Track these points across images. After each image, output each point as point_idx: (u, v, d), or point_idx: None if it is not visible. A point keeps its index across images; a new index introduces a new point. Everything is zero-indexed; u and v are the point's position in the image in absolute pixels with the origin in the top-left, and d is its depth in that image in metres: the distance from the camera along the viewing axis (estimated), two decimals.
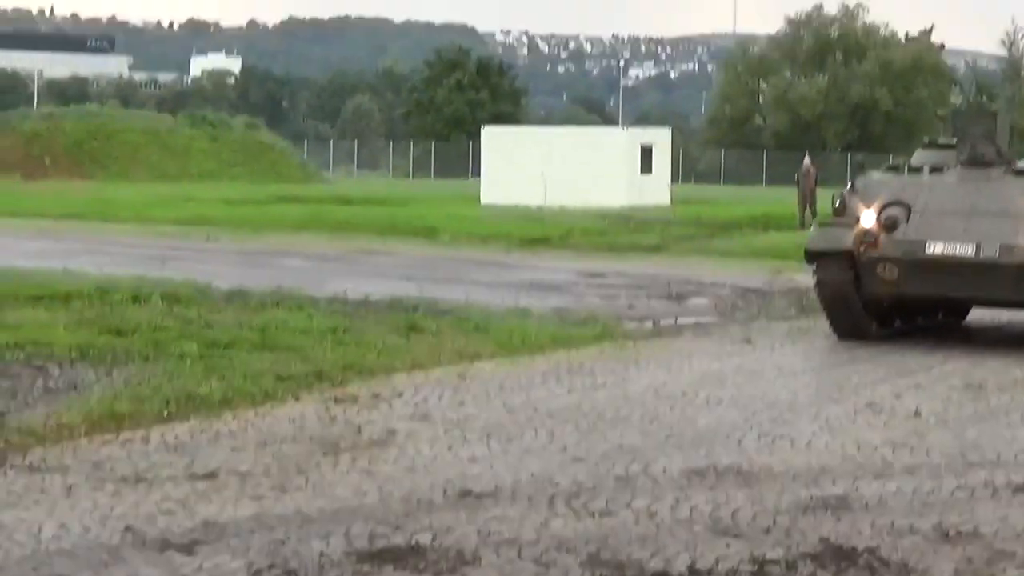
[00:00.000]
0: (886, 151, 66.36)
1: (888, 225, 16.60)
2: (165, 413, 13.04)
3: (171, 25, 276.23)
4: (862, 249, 16.67)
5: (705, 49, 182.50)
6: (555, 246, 39.43)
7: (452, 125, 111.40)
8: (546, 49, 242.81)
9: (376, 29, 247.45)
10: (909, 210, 16.75)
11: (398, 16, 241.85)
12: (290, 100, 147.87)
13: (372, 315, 19.86)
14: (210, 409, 12.93)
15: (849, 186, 18.11)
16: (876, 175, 18.81)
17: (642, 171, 56.18)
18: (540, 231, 42.97)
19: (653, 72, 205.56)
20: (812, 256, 17.65)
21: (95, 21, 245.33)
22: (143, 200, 46.54)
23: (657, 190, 55.91)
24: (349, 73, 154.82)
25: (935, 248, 16.24)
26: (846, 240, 16.95)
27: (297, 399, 13.53)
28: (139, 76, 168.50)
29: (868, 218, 16.86)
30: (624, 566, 8.16)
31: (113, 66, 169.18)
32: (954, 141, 18.44)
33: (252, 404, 13.34)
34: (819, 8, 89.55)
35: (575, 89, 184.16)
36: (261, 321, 17.74)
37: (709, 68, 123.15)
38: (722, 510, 9.55)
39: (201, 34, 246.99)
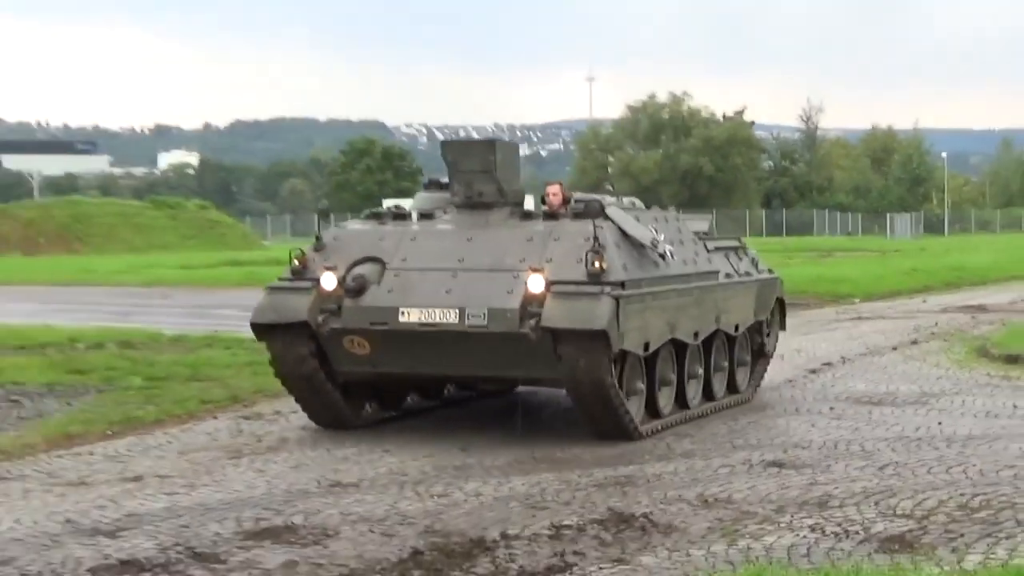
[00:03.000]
0: (711, 207, 65.07)
1: (355, 288, 11.31)
2: (109, 432, 13.13)
3: (142, 129, 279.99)
4: (320, 320, 11.33)
5: (568, 132, 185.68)
6: None
7: (364, 200, 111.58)
8: (440, 136, 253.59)
9: (306, 126, 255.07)
10: (384, 267, 11.56)
11: (323, 116, 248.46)
12: (238, 185, 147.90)
13: None
14: (145, 428, 13.07)
15: (314, 240, 12.21)
16: (352, 225, 13.20)
17: None
18: None
19: (527, 152, 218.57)
20: (259, 331, 11.88)
21: (82, 128, 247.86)
22: (115, 268, 45.46)
23: None
24: (284, 162, 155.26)
25: (410, 315, 11.06)
26: (298, 310, 11.47)
27: (215, 417, 13.55)
28: (117, 171, 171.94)
29: (328, 280, 11.40)
30: (451, 534, 8.29)
31: (97, 164, 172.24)
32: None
33: (179, 423, 13.33)
34: (653, 96, 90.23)
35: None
36: (194, 359, 17.48)
37: (571, 147, 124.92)
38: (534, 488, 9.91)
39: (165, 135, 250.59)
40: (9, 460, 11.75)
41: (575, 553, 7.91)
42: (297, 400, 12.48)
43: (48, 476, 11.02)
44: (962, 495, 9.23)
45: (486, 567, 7.65)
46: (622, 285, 10.89)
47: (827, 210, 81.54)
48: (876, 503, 9.05)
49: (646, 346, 11.48)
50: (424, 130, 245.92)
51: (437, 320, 10.93)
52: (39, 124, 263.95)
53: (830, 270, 35.78)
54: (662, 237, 12.36)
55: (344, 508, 9.26)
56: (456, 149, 12.60)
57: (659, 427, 12.03)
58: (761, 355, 14.82)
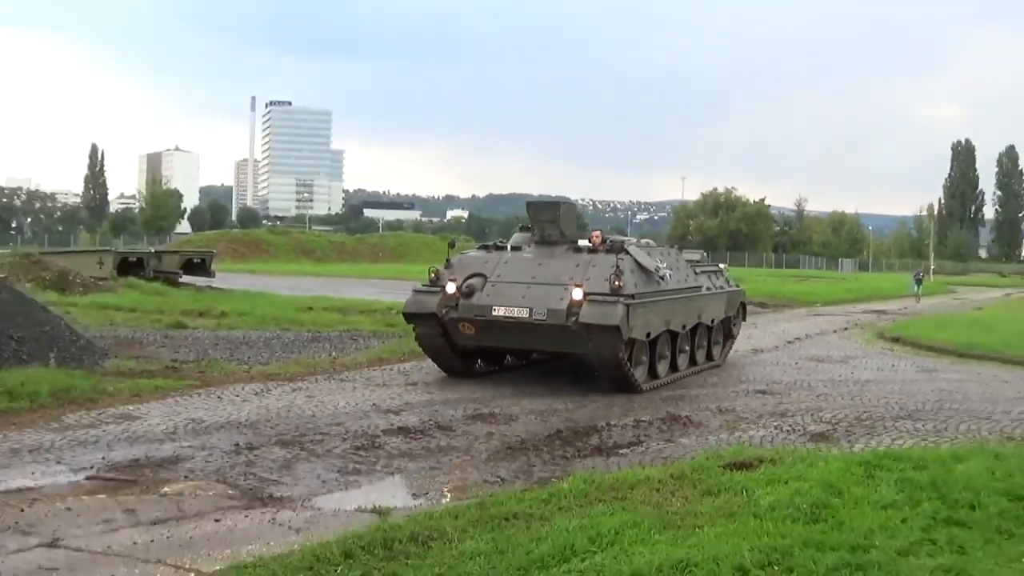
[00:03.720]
0: (744, 251, 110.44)
1: (466, 292, 14.60)
2: (402, 358, 16.96)
3: (439, 196, 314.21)
4: (444, 312, 14.63)
5: (669, 206, 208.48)
6: None
7: None
8: (599, 206, 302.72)
9: (525, 196, 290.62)
10: (486, 279, 14.74)
11: (534, 191, 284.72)
12: (490, 229, 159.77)
13: None
14: (421, 358, 16.24)
15: (445, 262, 15.48)
16: (470, 253, 16.19)
17: None
18: None
19: (645, 216, 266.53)
20: (407, 317, 15.21)
21: (407, 195, 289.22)
22: (421, 271, 50.64)
23: None
24: (513, 218, 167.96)
25: (499, 311, 14.25)
26: (430, 305, 14.75)
27: None
28: (424, 219, 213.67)
29: (450, 287, 14.70)
30: (578, 422, 11.55)
31: (413, 215, 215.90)
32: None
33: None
34: (715, 189, 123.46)
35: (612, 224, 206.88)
36: None
37: (670, 215, 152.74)
38: None
39: (452, 200, 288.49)
40: (348, 370, 15.29)
41: (645, 435, 10.93)
42: (432, 360, 15.56)
43: (366, 380, 14.45)
44: (857, 412, 12.82)
45: (596, 440, 10.58)
46: (632, 296, 13.70)
47: (807, 255, 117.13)
48: (812, 415, 12.41)
49: (648, 335, 14.31)
50: (590, 202, 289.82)
51: (515, 315, 13.96)
52: (385, 192, 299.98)
53: (806, 288, 48.69)
54: (664, 265, 15.49)
55: (522, 406, 12.48)
56: (536, 207, 16.00)
57: (656, 385, 14.71)
58: (729, 337, 18.63)
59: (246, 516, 7.61)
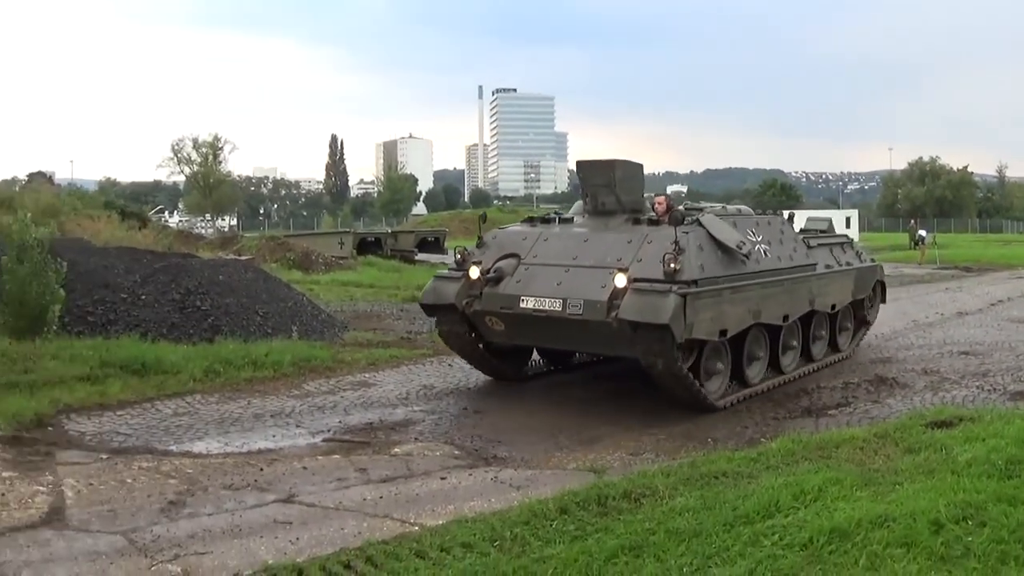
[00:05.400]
0: (951, 218, 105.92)
1: (494, 278, 11.32)
2: None
3: (657, 172, 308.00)
4: (466, 303, 11.45)
5: (878, 177, 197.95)
6: None
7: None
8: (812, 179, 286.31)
9: (741, 172, 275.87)
10: (519, 261, 11.48)
11: (750, 165, 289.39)
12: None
13: None
14: None
15: (477, 239, 12.31)
16: (511, 227, 12.71)
17: (847, 227, 60.75)
18: None
19: (856, 186, 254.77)
20: (425, 309, 12.19)
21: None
22: None
23: (852, 233, 59.48)
24: (731, 191, 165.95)
25: (527, 303, 10.90)
26: (449, 295, 11.58)
27: None
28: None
29: (474, 272, 11.51)
30: (791, 385, 12.20)
31: None
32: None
33: None
34: (920, 159, 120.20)
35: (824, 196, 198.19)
36: None
37: (878, 185, 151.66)
38: None
39: (671, 176, 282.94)
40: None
41: (853, 396, 11.36)
42: (465, 359, 12.45)
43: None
44: None
45: (807, 401, 11.16)
46: (695, 283, 10.17)
47: (1010, 220, 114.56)
48: (1012, 374, 12.41)
49: (723, 332, 10.70)
50: (803, 174, 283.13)
51: (546, 308, 10.65)
52: None
53: (1008, 251, 48.43)
54: (759, 239, 12.01)
55: None
56: (585, 168, 12.20)
57: (744, 396, 11.39)
58: (863, 324, 15.40)
59: (470, 475, 7.99)
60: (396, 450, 8.77)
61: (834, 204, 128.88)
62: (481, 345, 12.00)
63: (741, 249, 11.18)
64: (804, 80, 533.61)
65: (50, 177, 61.33)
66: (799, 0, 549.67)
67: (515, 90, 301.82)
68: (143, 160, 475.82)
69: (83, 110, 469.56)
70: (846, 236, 15.89)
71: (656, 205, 11.93)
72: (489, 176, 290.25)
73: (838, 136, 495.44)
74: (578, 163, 12.33)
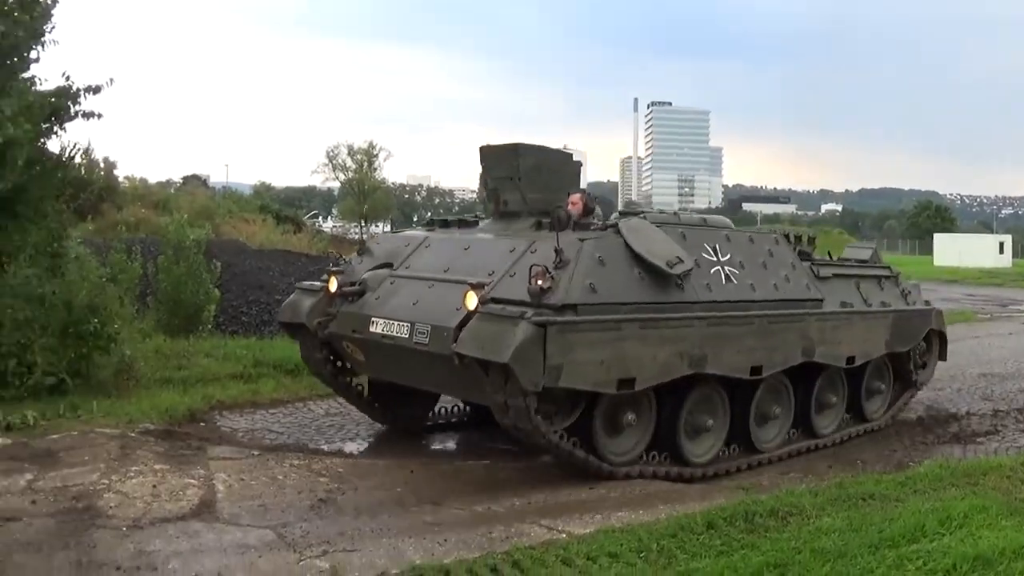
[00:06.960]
0: None
1: (355, 293, 8.94)
2: None
3: (812, 191, 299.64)
4: (318, 323, 9.07)
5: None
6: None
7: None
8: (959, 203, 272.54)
9: (896, 192, 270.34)
10: (390, 272, 9.11)
11: (905, 186, 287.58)
12: (863, 223, 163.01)
13: None
14: None
15: (359, 246, 9.97)
16: (404, 232, 10.50)
17: (1000, 252, 61.25)
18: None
19: (1010, 211, 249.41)
20: (284, 328, 9.93)
21: (783, 189, 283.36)
22: None
23: (1005, 259, 61.24)
24: (887, 211, 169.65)
25: (377, 326, 8.40)
26: (301, 311, 9.25)
27: None
28: (799, 212, 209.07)
29: (333, 284, 9.11)
30: (940, 410, 12.13)
31: (789, 208, 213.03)
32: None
33: None
34: None
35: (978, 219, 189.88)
36: None
37: None
38: None
39: (827, 195, 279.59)
40: None
41: (1002, 424, 11.28)
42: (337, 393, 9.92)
43: None
44: None
45: (955, 428, 11.10)
46: (573, 309, 7.41)
47: None
48: None
49: (625, 382, 7.69)
50: (958, 196, 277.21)
51: (393, 333, 8.21)
52: (762, 187, 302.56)
53: None
54: (723, 258, 9.00)
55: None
56: (486, 154, 9.52)
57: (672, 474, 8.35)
58: (910, 386, 11.77)
59: (617, 486, 7.94)
60: (545, 458, 8.60)
61: (988, 228, 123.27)
62: (352, 379, 9.64)
63: (672, 268, 8.09)
64: (958, 101, 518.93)
65: (205, 180, 63.46)
66: (953, 23, 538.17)
67: (670, 103, 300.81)
68: (297, 166, 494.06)
69: (240, 116, 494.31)
70: (888, 268, 11.79)
71: (570, 205, 8.91)
72: (643, 189, 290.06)
73: (993, 159, 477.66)
74: (480, 149, 9.53)
